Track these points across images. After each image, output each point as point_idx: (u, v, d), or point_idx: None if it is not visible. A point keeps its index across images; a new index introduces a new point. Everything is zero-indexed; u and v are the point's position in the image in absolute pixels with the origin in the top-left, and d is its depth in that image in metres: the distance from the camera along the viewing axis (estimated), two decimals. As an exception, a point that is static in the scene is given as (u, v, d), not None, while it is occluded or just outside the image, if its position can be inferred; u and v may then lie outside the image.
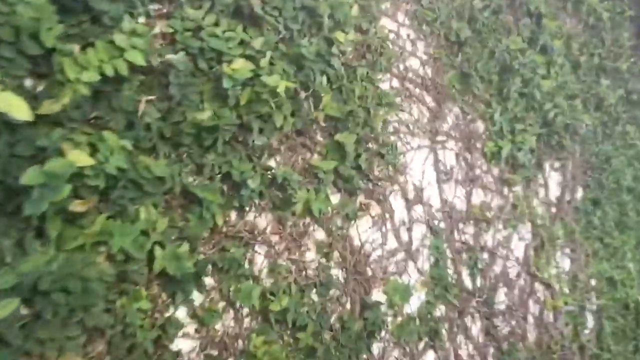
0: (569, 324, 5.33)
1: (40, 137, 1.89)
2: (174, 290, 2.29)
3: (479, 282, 4.29)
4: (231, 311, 2.56)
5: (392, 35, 3.89)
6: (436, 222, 3.96)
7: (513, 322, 4.62)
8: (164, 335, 2.21)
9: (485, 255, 4.46)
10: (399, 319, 3.49)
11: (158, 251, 2.22)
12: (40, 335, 1.85)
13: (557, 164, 5.78)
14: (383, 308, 3.35)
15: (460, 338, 4.02)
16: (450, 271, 4.02)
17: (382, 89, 3.67)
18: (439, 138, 4.20)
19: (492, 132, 4.75)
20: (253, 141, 2.72)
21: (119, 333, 2.06)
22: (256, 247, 2.72)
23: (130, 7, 2.28)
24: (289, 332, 2.76)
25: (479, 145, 4.60)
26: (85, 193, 2.02)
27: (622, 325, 6.31)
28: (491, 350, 4.32)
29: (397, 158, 3.66)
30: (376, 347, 3.30)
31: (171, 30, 2.46)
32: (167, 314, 2.26)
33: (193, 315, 2.38)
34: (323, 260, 3.06)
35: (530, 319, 4.85)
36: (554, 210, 5.57)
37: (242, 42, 2.72)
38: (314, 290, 2.96)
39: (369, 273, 3.35)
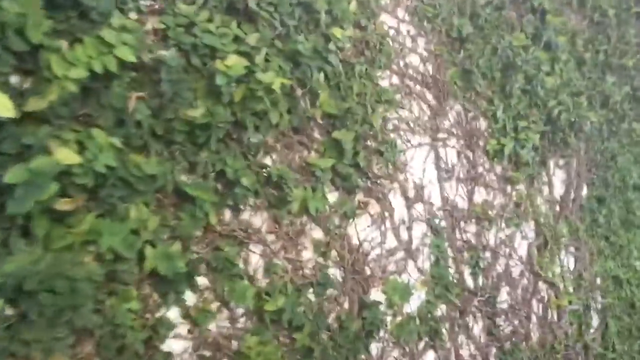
0: (574, 323, 5.27)
1: (26, 134, 1.86)
2: (166, 290, 2.25)
3: (481, 281, 4.24)
4: (225, 311, 2.52)
5: (391, 32, 3.84)
6: (437, 221, 3.92)
7: (516, 322, 4.57)
8: (154, 335, 2.17)
9: (488, 254, 4.41)
10: (399, 318, 3.44)
11: (149, 250, 2.18)
12: (26, 336, 1.82)
13: (561, 162, 5.72)
14: (382, 308, 3.31)
15: (461, 338, 3.97)
16: (451, 270, 3.97)
17: (382, 86, 3.63)
18: (440, 135, 4.15)
19: (495, 129, 4.70)
20: (248, 139, 2.68)
21: (108, 334, 2.03)
22: (251, 246, 2.68)
23: (121, 3, 2.25)
24: (285, 332, 2.72)
25: (481, 142, 4.55)
26: (73, 192, 1.99)
27: (627, 325, 6.25)
28: (493, 350, 4.27)
29: (396, 156, 3.62)
30: (375, 347, 3.26)
31: (163, 27, 2.42)
32: (158, 315, 2.22)
33: (186, 315, 2.35)
34: (320, 260, 3.03)
35: (534, 318, 4.80)
36: (558, 208, 5.51)
37: (236, 39, 2.68)
38: (311, 289, 2.92)
39: (368, 272, 3.31)
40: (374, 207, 3.45)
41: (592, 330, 5.55)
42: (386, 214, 3.52)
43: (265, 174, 2.75)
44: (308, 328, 2.78)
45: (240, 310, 2.56)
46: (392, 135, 3.65)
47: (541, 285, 4.97)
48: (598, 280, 5.92)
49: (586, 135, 6.21)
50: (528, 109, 5.15)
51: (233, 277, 2.52)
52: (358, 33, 3.48)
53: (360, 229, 3.33)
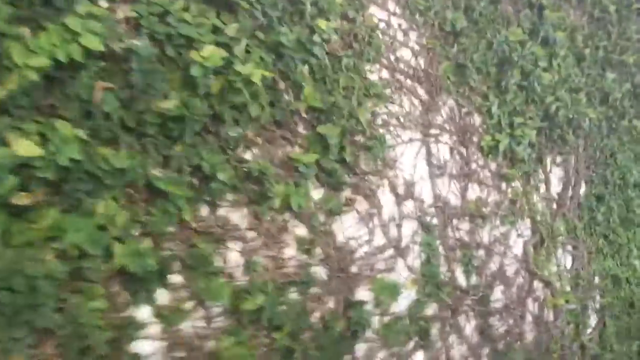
0: (570, 322, 5.18)
1: (-17, 125, 1.78)
2: (136, 288, 2.17)
3: (474, 279, 4.15)
4: (201, 311, 2.43)
5: (381, 25, 3.74)
6: (428, 218, 3.83)
7: (510, 321, 4.48)
8: (122, 336, 2.09)
9: (481, 252, 4.32)
10: (387, 318, 3.36)
11: (118, 247, 2.10)
12: (-18, 336, 1.74)
13: (559, 159, 5.62)
14: (369, 307, 3.22)
15: (453, 338, 3.88)
16: (443, 269, 3.88)
17: (370, 80, 3.53)
18: (432, 131, 4.05)
19: (490, 125, 4.60)
20: (227, 132, 2.60)
21: (70, 334, 1.95)
22: (230, 243, 2.59)
23: (90, -10, 2.16)
24: (264, 332, 2.63)
25: (475, 139, 4.45)
26: (34, 185, 1.91)
27: (626, 324, 6.14)
28: (486, 350, 4.18)
29: (385, 152, 3.52)
30: (361, 348, 3.17)
31: (135, 15, 2.34)
32: (126, 314, 2.14)
33: (158, 315, 2.26)
34: (304, 257, 2.94)
35: (529, 317, 4.70)
36: (555, 206, 5.42)
37: (215, 29, 2.60)
38: (293, 288, 2.83)
39: (355, 271, 3.22)
40: (362, 204, 3.36)
41: (589, 330, 5.46)
42: (374, 211, 3.43)
43: (244, 169, 2.66)
44: (289, 328, 2.70)
45: (217, 310, 2.48)
46: (381, 130, 3.56)
47: (537, 284, 4.88)
48: (596, 279, 5.83)
49: (585, 132, 6.12)
50: (524, 105, 5.05)
51: (209, 275, 2.43)
52: (346, 25, 3.39)
53: (347, 226, 3.24)
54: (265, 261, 2.73)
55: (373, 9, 3.66)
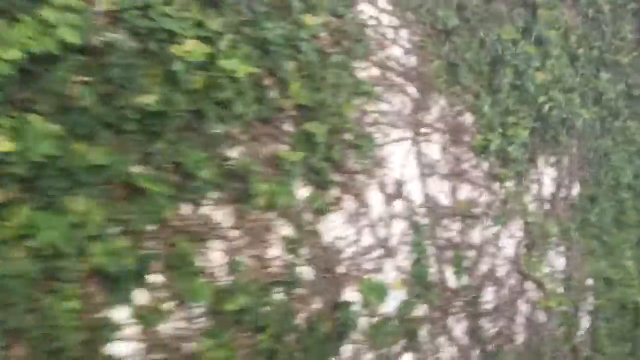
0: (562, 324, 5.13)
1: (-47, 119, 1.72)
2: (113, 288, 2.11)
3: (464, 280, 4.10)
4: (182, 311, 2.38)
5: (372, 22, 3.69)
6: (418, 218, 3.77)
7: (501, 323, 4.43)
8: (97, 337, 2.03)
9: (472, 253, 4.27)
10: (374, 319, 3.30)
11: (94, 246, 2.04)
12: (-51, 337, 1.68)
13: (552, 159, 5.57)
14: (356, 308, 3.17)
15: (442, 339, 3.83)
16: (432, 269, 3.83)
17: (359, 78, 3.48)
18: (423, 130, 4.00)
19: (482, 124, 4.56)
20: (210, 129, 2.54)
21: (43, 335, 1.89)
22: (212, 243, 2.54)
23: (68, -18, 2.10)
24: (248, 333, 2.58)
25: (466, 138, 4.40)
26: (7, 182, 1.85)
27: (619, 326, 6.11)
28: (476, 352, 4.13)
29: (374, 150, 3.48)
30: (348, 350, 3.12)
31: (116, 8, 2.28)
32: (102, 315, 2.08)
33: (137, 315, 2.21)
34: (290, 257, 2.88)
35: (520, 319, 4.66)
36: (548, 206, 5.37)
37: (199, 24, 2.54)
38: (278, 288, 2.78)
39: (342, 271, 3.17)
40: (350, 203, 3.31)
41: (581, 332, 5.42)
42: (363, 210, 3.38)
43: (228, 167, 2.61)
44: (273, 329, 2.65)
45: (198, 310, 2.42)
46: (370, 128, 3.51)
47: (528, 285, 4.84)
48: (589, 281, 5.79)
49: (578, 133, 6.08)
50: (517, 105, 5.01)
51: (190, 275, 2.38)
52: (335, 22, 3.34)
53: (334, 226, 3.19)
54: (249, 261, 2.67)
55: (363, 6, 3.61)
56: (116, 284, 2.11)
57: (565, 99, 5.90)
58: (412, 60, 4.02)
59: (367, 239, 3.39)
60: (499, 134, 4.68)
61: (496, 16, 4.95)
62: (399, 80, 3.86)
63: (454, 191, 4.19)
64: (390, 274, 3.50)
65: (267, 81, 2.86)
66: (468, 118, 4.45)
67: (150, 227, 2.28)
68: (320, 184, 3.10)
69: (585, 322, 5.57)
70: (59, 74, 2.00)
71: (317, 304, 2.98)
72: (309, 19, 2.98)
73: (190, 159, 2.39)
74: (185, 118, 2.42)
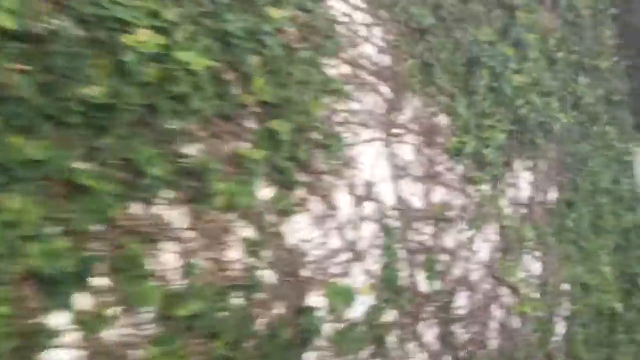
0: (537, 330, 5.06)
1: None
2: (51, 292, 1.97)
3: (436, 285, 4.01)
4: (129, 317, 2.24)
5: (343, 18, 3.59)
6: (389, 221, 3.67)
7: (474, 329, 4.34)
8: (31, 344, 1.89)
9: (445, 257, 4.17)
10: (341, 325, 3.19)
11: (30, 246, 1.91)
12: None
13: (529, 163, 5.51)
14: (321, 313, 3.05)
15: (412, 345, 3.73)
16: (403, 273, 3.73)
17: (329, 75, 3.37)
18: (396, 131, 3.91)
19: (457, 126, 4.47)
20: (164, 125, 2.41)
21: (-33, 342, 1.75)
22: (165, 244, 2.40)
23: (8, -36, 1.97)
24: (201, 340, 2.45)
25: (441, 140, 4.32)
26: None
27: (595, 332, 6.06)
28: (448, 358, 4.03)
29: (343, 150, 3.37)
30: (311, 357, 3.00)
31: (62, -6, 2.15)
32: (37, 320, 1.94)
33: (77, 321, 2.07)
34: (250, 260, 2.76)
35: (494, 325, 4.57)
36: (524, 211, 5.31)
37: (154, 13, 2.41)
38: (237, 293, 2.65)
39: (306, 275, 3.05)
40: (317, 205, 3.19)
41: (556, 338, 5.35)
42: (330, 212, 3.27)
43: (184, 164, 2.48)
44: (229, 335, 2.52)
45: (147, 316, 2.29)
46: (339, 128, 3.40)
47: (503, 290, 4.76)
48: (565, 286, 5.73)
49: (556, 137, 6.03)
50: (493, 107, 4.94)
51: (139, 278, 2.24)
52: (303, 16, 3.23)
53: (299, 228, 3.06)
54: (205, 264, 2.54)
55: (333, 2, 3.51)
56: (54, 288, 1.97)
57: (543, 102, 5.86)
58: (385, 59, 3.93)
59: (334, 242, 3.27)
60: (474, 136, 4.61)
61: (473, 17, 4.88)
62: (371, 79, 3.76)
63: (427, 194, 4.10)
64: (358, 278, 3.38)
65: (228, 76, 2.74)
66: (443, 119, 4.37)
67: (94, 228, 2.14)
68: (285, 184, 2.98)
69: (560, 328, 5.51)
70: (-7, 61, 1.86)
71: (279, 309, 2.85)
72: (274, 12, 2.87)
73: (140, 156, 2.26)
74: (136, 112, 2.28)
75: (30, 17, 1.98)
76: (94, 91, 2.07)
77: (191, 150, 2.56)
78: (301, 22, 3.20)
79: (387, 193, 3.72)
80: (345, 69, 3.56)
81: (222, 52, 2.70)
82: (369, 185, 3.58)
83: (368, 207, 3.55)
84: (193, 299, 2.39)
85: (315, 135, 3.18)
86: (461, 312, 4.21)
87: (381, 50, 3.87)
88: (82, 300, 2.09)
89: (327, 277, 3.17)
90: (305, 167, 3.11)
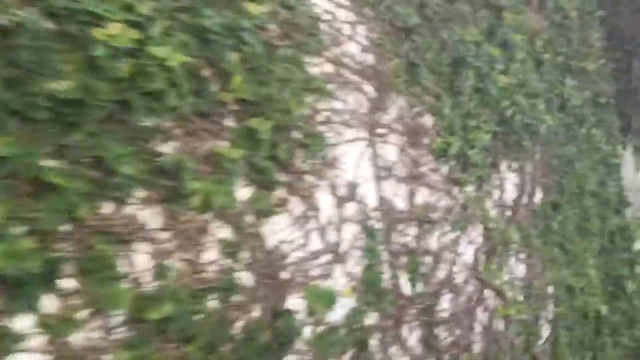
0: (522, 333, 5.03)
1: None
2: (15, 294, 1.90)
3: (419, 288, 3.95)
4: (98, 320, 2.17)
5: (326, 16, 3.53)
6: (371, 222, 3.61)
7: (457, 332, 4.29)
8: (-7, 349, 1.82)
9: (429, 259, 4.12)
10: (321, 328, 3.12)
11: (-8, 247, 1.83)
12: None
13: (515, 165, 5.48)
14: (301, 316, 2.99)
15: (394, 349, 3.67)
16: (386, 276, 3.67)
17: (311, 74, 3.31)
18: (379, 131, 3.85)
19: (442, 127, 4.43)
20: (138, 122, 2.34)
21: None
22: (137, 245, 2.33)
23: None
24: (174, 344, 2.38)
25: (426, 140, 4.27)
26: None
27: (580, 335, 6.04)
28: (431, 362, 3.99)
29: (325, 150, 3.31)
30: (290, 360, 2.94)
31: (29, -15, 2.07)
32: (2, 323, 1.87)
33: (44, 324, 1.99)
34: (227, 262, 2.69)
35: (478, 328, 4.53)
36: (509, 213, 5.27)
37: (128, 7, 2.34)
38: (213, 295, 2.58)
39: (286, 277, 2.98)
40: (297, 206, 3.13)
41: (541, 341, 5.32)
42: (311, 213, 3.21)
43: (158, 163, 2.41)
44: (204, 339, 2.45)
45: (117, 319, 2.21)
46: (322, 127, 3.34)
47: (487, 293, 4.72)
48: (550, 289, 5.71)
49: (542, 139, 6.01)
50: (479, 108, 4.90)
51: (109, 280, 2.17)
52: (284, 13, 3.16)
53: (279, 229, 3.00)
54: (179, 265, 2.47)
55: (317, -1, 3.45)
56: (19, 290, 1.89)
57: (529, 104, 5.83)
58: (370, 58, 3.87)
59: (315, 244, 3.21)
60: (459, 137, 4.57)
61: (459, 17, 4.84)
62: (354, 78, 3.71)
63: (411, 195, 4.05)
64: (339, 280, 3.32)
65: (206, 72, 2.67)
66: (428, 120, 4.32)
67: (63, 227, 2.06)
68: (264, 184, 2.92)
69: (545, 331, 5.48)
70: (-46, 53, 1.78)
71: (256, 312, 2.79)
72: (254, 8, 2.80)
73: (111, 153, 2.19)
74: (107, 108, 2.21)
75: (-6, 8, 1.91)
76: (62, 86, 2.00)
77: (166, 148, 2.49)
78: (283, 19, 3.14)
79: (370, 194, 3.67)
80: (328, 68, 3.50)
81: (200, 48, 2.63)
82: (351, 186, 3.52)
83: (350, 208, 3.49)
84: (166, 302, 2.32)
85: (296, 135, 3.12)
86: (445, 314, 4.16)
87: (365, 49, 3.82)
88: (49, 303, 2.01)
89: (307, 280, 3.11)
90: (286, 167, 3.05)
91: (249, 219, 2.84)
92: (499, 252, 4.93)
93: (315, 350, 3.06)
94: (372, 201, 3.67)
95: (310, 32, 3.32)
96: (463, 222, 4.48)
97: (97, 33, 2.14)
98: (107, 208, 2.24)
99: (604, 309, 6.47)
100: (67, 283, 2.08)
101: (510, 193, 5.31)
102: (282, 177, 3.03)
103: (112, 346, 2.16)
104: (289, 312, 2.88)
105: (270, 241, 2.94)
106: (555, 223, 5.92)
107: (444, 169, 4.41)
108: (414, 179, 4.08)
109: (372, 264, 3.54)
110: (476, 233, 4.69)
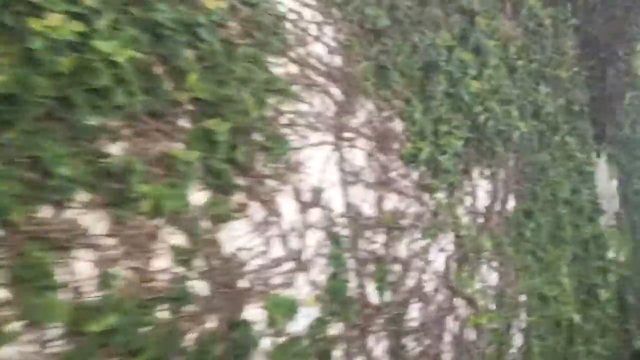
0: (493, 343, 4.93)
1: None
2: None
3: (387, 296, 3.84)
4: (33, 333, 2.01)
5: (291, 15, 3.41)
6: (337, 229, 3.49)
7: (427, 342, 4.18)
8: None
9: (398, 267, 4.01)
10: (281, 339, 2.99)
11: None
12: None
13: (487, 171, 5.40)
14: (260, 326, 2.85)
15: (360, 360, 3.55)
16: (352, 284, 3.55)
17: (275, 74, 3.19)
18: (347, 135, 3.74)
19: (412, 132, 4.33)
20: (81, 120, 2.19)
21: None
22: (79, 252, 2.18)
23: None
24: (118, 358, 2.22)
25: (395, 145, 4.16)
26: None
27: (552, 344, 5.97)
28: (398, 373, 3.87)
29: (288, 154, 3.18)
30: (248, 373, 2.79)
31: (-41, -29, 1.93)
32: None
33: (-30, 338, 1.84)
34: (180, 270, 2.54)
35: (448, 337, 4.43)
36: (481, 220, 5.19)
37: (72, -1, 2.20)
38: (164, 305, 2.44)
39: (244, 285, 2.84)
40: (257, 211, 3.00)
41: (513, 350, 5.24)
42: (272, 219, 3.07)
43: (103, 165, 2.26)
44: (152, 352, 2.30)
45: (54, 332, 2.06)
46: (285, 130, 3.22)
47: (458, 302, 4.62)
48: (523, 298, 5.63)
49: (515, 146, 5.95)
50: (451, 113, 4.82)
51: (44, 290, 2.01)
52: (245, 10, 3.04)
53: (237, 235, 2.87)
54: (126, 273, 2.32)
55: (281, -3, 3.33)
56: (-62, 300, 1.74)
57: (502, 110, 5.77)
58: (337, 60, 3.76)
59: (276, 251, 3.08)
60: (430, 142, 4.47)
61: (431, 21, 4.76)
62: (321, 80, 3.59)
63: (379, 201, 3.94)
64: (302, 289, 3.19)
65: (158, 70, 2.53)
66: (397, 124, 4.22)
67: (-8, 232, 1.91)
68: (222, 188, 2.78)
69: (517, 340, 5.41)
70: None
71: (211, 323, 2.64)
72: (211, 3, 2.67)
73: (49, 153, 2.04)
74: (47, 105, 2.06)
75: None
76: (-8, 80, 1.85)
77: (114, 149, 2.35)
78: (243, 16, 3.02)
79: (336, 200, 3.55)
80: (293, 69, 3.38)
81: (152, 44, 2.49)
82: (316, 191, 3.40)
83: (315, 214, 3.37)
84: (109, 313, 2.17)
85: (257, 137, 2.99)
86: (414, 324, 4.05)
87: (332, 51, 3.71)
88: (-25, 315, 1.85)
89: (267, 288, 2.98)
90: (245, 171, 2.92)
91: (205, 224, 2.70)
92: (470, 260, 4.84)
93: (275, 362, 2.92)
94: (338, 207, 3.55)
95: (274, 31, 3.20)
96: (434, 230, 4.39)
97: (35, 24, 2.00)
98: (44, 212, 2.09)
99: (577, 318, 6.42)
100: (-2, 293, 1.93)
101: (482, 200, 5.23)
102: (241, 181, 2.89)
103: (47, 361, 2.01)
104: (245, 323, 2.74)
105: (228, 248, 2.80)
106: (528, 231, 5.86)
107: (414, 175, 4.31)
108: (383, 184, 3.98)
109: (338, 272, 3.42)
110: (447, 240, 4.60)
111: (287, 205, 3.19)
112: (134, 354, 2.26)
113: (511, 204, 5.71)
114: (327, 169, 3.52)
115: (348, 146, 3.73)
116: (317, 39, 3.61)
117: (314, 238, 3.33)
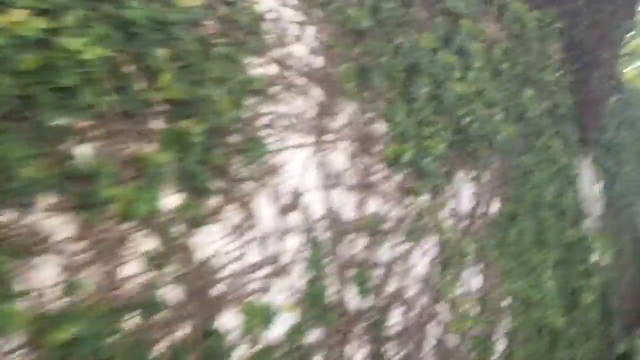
0: (476, 347, 4.88)
1: None
2: None
3: (368, 302, 3.77)
4: (-8, 342, 1.92)
5: (271, 15, 3.34)
6: (317, 233, 3.42)
7: (409, 347, 4.12)
8: None
9: (379, 272, 3.95)
10: (258, 346, 2.91)
11: None
12: None
13: (471, 174, 5.36)
14: (234, 334, 2.77)
15: (339, 367, 3.48)
16: (331, 289, 3.48)
17: (253, 75, 3.11)
18: (328, 137, 3.67)
19: (395, 134, 4.27)
20: (46, 120, 2.10)
21: None
22: (42, 257, 2.09)
23: None
24: (84, 368, 2.14)
25: (377, 148, 4.10)
26: None
27: (535, 349, 5.94)
28: (379, 380, 3.80)
29: (267, 156, 3.11)
30: (222, 382, 2.71)
31: None
32: None
33: None
34: (151, 276, 2.46)
35: (430, 343, 4.37)
36: (464, 223, 5.14)
37: (38, -6, 2.11)
38: (133, 313, 2.35)
39: (219, 291, 2.76)
40: (233, 215, 2.92)
41: (495, 356, 5.19)
42: (249, 223, 3.00)
43: (70, 166, 2.17)
44: (120, 362, 2.21)
45: (13, 342, 1.97)
46: (263, 131, 3.14)
47: (441, 306, 4.56)
48: (506, 302, 5.59)
49: (499, 149, 5.91)
50: (434, 116, 4.76)
51: (3, 298, 1.92)
52: (222, 9, 2.96)
53: (212, 240, 2.78)
54: (93, 280, 2.23)
55: (260, -5, 3.26)
56: None
57: (486, 113, 5.73)
58: (319, 61, 3.69)
59: (253, 255, 3.00)
60: (413, 145, 4.42)
61: (415, 22, 4.71)
62: (301, 81, 3.52)
63: (361, 204, 3.87)
64: (280, 295, 3.12)
65: (130, 69, 2.45)
66: (380, 126, 4.15)
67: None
68: (196, 190, 2.70)
69: (500, 345, 5.36)
70: None
71: (184, 331, 2.56)
72: (186, 1, 2.59)
73: (11, 154, 1.95)
74: (9, 104, 1.97)
75: None
76: (-53, 77, 1.76)
77: (81, 150, 2.26)
78: (220, 14, 2.94)
79: (316, 203, 3.48)
80: (272, 69, 3.31)
81: (123, 42, 2.41)
82: (295, 194, 3.32)
83: (294, 218, 3.30)
84: (74, 321, 2.08)
85: (233, 139, 2.91)
86: (395, 329, 3.98)
87: (314, 51, 3.64)
88: None
89: (243, 295, 2.90)
90: (221, 173, 2.84)
91: (178, 228, 2.62)
92: (453, 264, 4.79)
93: (251, 370, 2.85)
94: (318, 210, 3.48)
95: (252, 31, 3.13)
96: (416, 233, 4.33)
97: (-5, 19, 1.91)
98: (5, 216, 2.00)
99: (560, 322, 6.40)
100: (-47, 301, 1.83)
101: (466, 203, 5.18)
102: (217, 184, 2.82)
103: (5, 373, 1.92)
104: (219, 331, 2.66)
105: (202, 253, 2.72)
106: (511, 234, 5.82)
107: (397, 178, 4.25)
108: (365, 187, 3.91)
109: (317, 276, 3.34)
110: (430, 244, 4.54)
111: (264, 208, 3.11)
112: (100, 364, 2.17)
113: (495, 207, 5.67)
114: (307, 172, 3.45)
115: (329, 148, 3.66)
116: (298, 39, 3.54)
117: (293, 242, 3.26)
